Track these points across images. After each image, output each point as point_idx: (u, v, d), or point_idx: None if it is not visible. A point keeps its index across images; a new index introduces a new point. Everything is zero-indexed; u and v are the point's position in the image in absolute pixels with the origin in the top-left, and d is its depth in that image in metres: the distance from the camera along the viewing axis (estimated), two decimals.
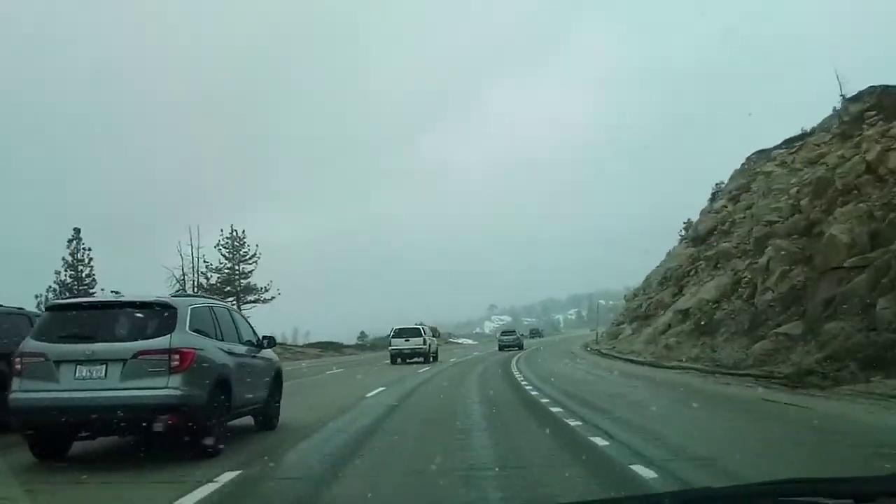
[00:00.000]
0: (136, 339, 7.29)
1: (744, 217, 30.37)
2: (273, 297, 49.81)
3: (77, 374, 7.11)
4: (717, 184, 45.73)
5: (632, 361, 27.19)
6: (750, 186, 34.30)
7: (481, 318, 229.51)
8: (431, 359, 34.58)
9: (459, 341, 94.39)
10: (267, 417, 9.73)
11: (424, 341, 34.13)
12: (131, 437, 8.12)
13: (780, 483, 2.09)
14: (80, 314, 7.86)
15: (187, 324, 7.61)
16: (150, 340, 7.26)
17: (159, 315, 7.55)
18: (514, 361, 30.98)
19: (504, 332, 62.48)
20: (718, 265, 28.84)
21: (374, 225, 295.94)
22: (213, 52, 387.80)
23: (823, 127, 30.23)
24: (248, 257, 50.03)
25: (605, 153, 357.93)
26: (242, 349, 9.02)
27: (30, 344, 7.40)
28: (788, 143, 35.57)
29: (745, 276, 23.10)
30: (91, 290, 40.99)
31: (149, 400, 6.99)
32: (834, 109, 29.47)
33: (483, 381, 19.96)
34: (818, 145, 26.75)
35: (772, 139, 41.71)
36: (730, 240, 30.14)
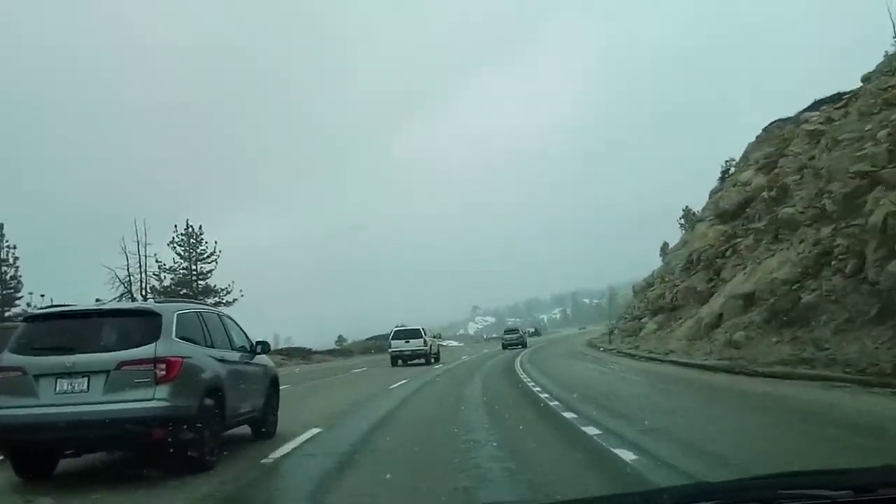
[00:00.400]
0: (119, 349, 6.91)
1: (800, 177, 25.34)
2: (235, 300, 44.38)
3: (57, 389, 6.72)
4: (727, 161, 44.80)
5: (681, 364, 20.76)
6: (783, 152, 30.51)
7: (465, 320, 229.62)
8: (433, 360, 34.70)
9: (444, 343, 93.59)
10: (264, 426, 9.40)
11: (425, 342, 34.13)
12: (119, 453, 7.74)
13: (779, 476, 2.09)
14: (59, 324, 7.43)
15: (173, 331, 7.24)
16: (134, 350, 6.88)
17: (143, 323, 7.18)
18: (518, 363, 27.74)
19: (508, 331, 63.57)
20: (779, 236, 23.57)
21: (354, 226, 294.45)
22: (183, 49, 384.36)
23: (882, 72, 27.20)
24: (205, 256, 44.96)
25: (588, 147, 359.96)
26: (235, 356, 8.67)
27: (6, 357, 6.99)
28: (821, 103, 32.19)
29: (839, 245, 17.85)
30: (17, 295, 38.32)
31: (134, 413, 6.60)
32: (886, 54, 28.23)
33: (495, 411, 11.92)
34: (884, 89, 22.16)
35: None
36: (792, 204, 24.31)
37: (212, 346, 8.02)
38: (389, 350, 34.58)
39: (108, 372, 6.72)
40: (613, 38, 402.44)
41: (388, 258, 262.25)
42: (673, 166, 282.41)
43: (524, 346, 53.69)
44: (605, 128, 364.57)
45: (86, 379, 6.73)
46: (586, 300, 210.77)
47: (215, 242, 45.02)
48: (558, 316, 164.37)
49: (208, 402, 7.32)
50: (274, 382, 10.00)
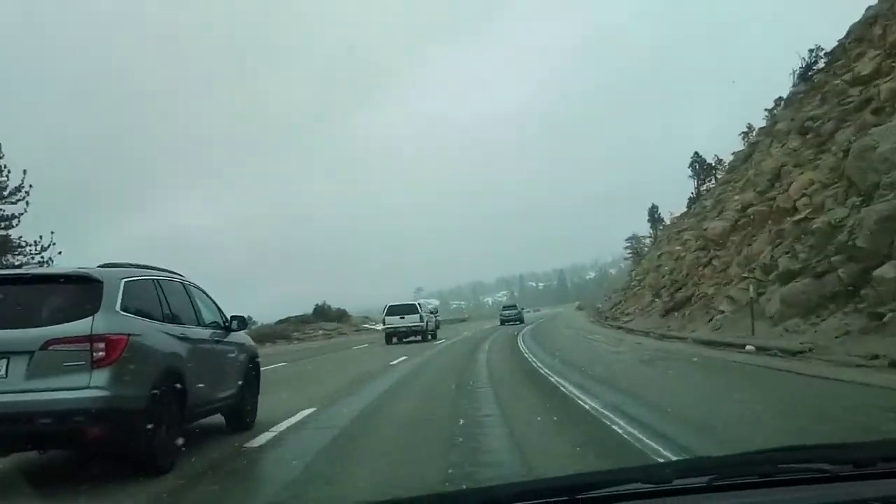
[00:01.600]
0: (47, 325, 5.51)
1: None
2: (52, 258, 30.44)
3: None
4: (748, 126, 44.36)
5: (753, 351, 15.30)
6: (825, 96, 24.78)
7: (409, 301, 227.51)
8: (430, 337, 33.65)
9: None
10: (240, 415, 8.09)
11: (421, 318, 32.87)
12: (51, 451, 6.30)
13: (779, 450, 2.06)
14: None
15: (118, 302, 5.83)
16: (66, 325, 5.48)
17: (79, 292, 5.76)
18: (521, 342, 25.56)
19: (506, 307, 66.06)
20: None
21: (295, 208, 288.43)
22: (123, 20, 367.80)
23: None
24: (6, 194, 30.11)
25: (537, 132, 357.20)
26: (203, 333, 7.34)
27: None
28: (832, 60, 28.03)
29: None
30: None
31: (64, 404, 5.25)
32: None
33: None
34: None
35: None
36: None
37: (172, 322, 6.65)
38: (383, 327, 33.63)
39: (31, 353, 5.36)
40: (575, 19, 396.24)
41: (332, 239, 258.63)
42: (622, 153, 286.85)
43: (521, 321, 55.51)
44: (557, 112, 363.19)
45: (4, 361, 5.35)
46: (532, 283, 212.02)
47: (23, 173, 30.28)
48: (504, 298, 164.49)
49: (163, 389, 5.97)
50: (253, 363, 8.72)
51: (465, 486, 4.38)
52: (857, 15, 27.39)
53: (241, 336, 8.59)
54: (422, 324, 32.83)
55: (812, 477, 1.83)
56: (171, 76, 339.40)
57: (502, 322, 56.60)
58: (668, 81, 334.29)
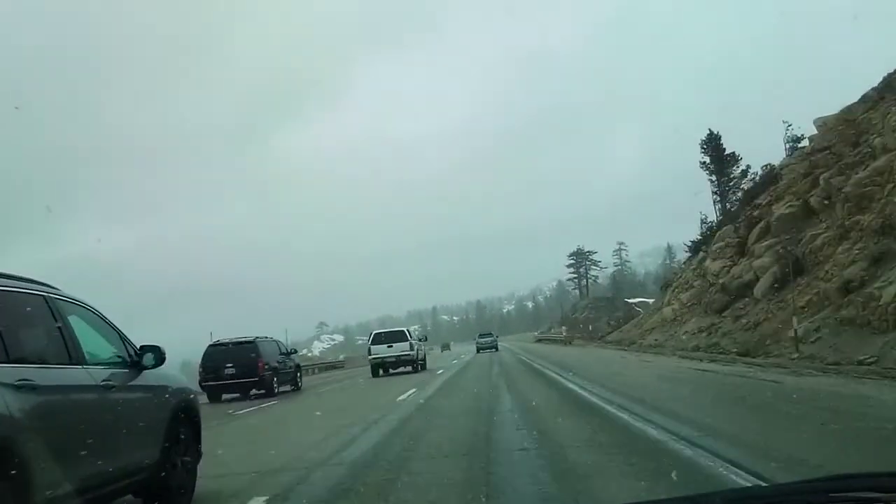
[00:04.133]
0: None
1: None
2: None
3: None
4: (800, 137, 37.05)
5: None
6: None
7: (310, 339, 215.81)
8: (419, 367, 31.41)
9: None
10: (167, 495, 5.83)
11: (411, 346, 30.78)
12: None
13: (831, 479, 2.06)
14: None
15: None
16: None
17: None
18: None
19: (481, 335, 68.40)
20: None
21: (191, 236, 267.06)
22: (24, 24, 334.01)
23: None
24: None
25: (455, 163, 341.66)
26: (79, 375, 4.99)
27: None
28: None
29: None
30: None
31: None
32: None
33: None
34: None
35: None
36: None
37: (7, 361, 4.23)
38: (370, 357, 31.24)
39: None
40: (517, 36, 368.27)
41: (226, 271, 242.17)
42: (543, 188, 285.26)
43: (496, 349, 58.64)
44: (477, 145, 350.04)
45: None
46: (445, 317, 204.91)
47: None
48: (417, 332, 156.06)
49: None
50: (185, 414, 6.39)
51: None
52: None
53: (163, 375, 6.24)
54: (412, 352, 30.63)
55: None
56: (73, 87, 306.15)
57: (479, 350, 59.10)
58: (593, 119, 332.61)
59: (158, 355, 5.93)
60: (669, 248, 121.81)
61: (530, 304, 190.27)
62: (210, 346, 23.43)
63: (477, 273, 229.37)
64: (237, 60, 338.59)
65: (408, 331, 32.50)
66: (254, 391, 22.41)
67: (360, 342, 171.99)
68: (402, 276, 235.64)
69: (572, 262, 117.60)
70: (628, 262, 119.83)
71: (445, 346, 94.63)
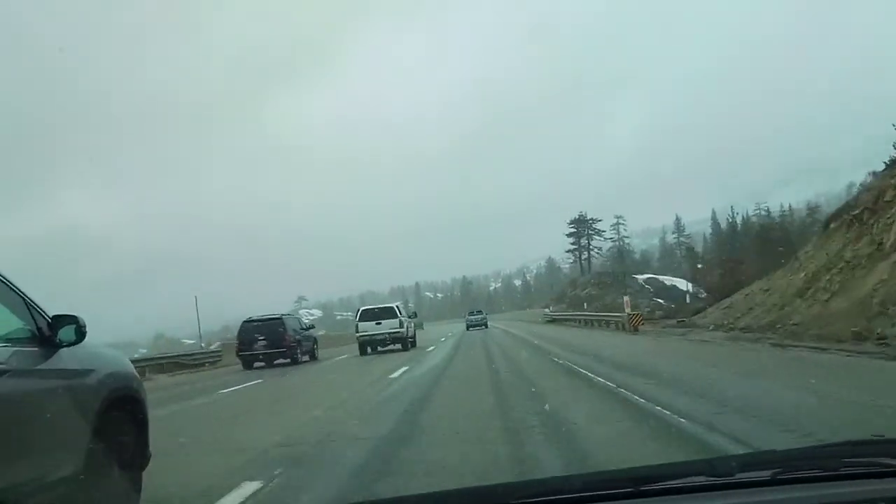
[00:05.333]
0: None
1: None
2: None
3: None
4: None
5: None
6: None
7: (288, 313, 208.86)
8: (410, 345, 30.74)
9: None
10: None
11: (401, 323, 29.82)
12: None
13: (845, 444, 2.08)
14: None
15: None
16: None
17: None
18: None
19: (471, 313, 68.66)
20: None
21: (169, 208, 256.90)
22: None
23: None
24: None
25: (447, 140, 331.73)
26: None
27: None
28: None
29: None
30: None
31: None
32: None
33: None
34: None
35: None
36: None
37: None
38: (357, 335, 30.24)
39: None
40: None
41: (210, 242, 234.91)
42: (530, 168, 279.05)
43: (486, 326, 59.50)
44: (470, 119, 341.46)
45: None
46: (429, 294, 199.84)
47: None
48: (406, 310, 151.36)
49: None
50: (123, 408, 4.96)
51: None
52: None
53: (91, 356, 4.88)
54: (402, 330, 29.76)
55: (877, 472, 1.85)
56: (50, 53, 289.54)
57: (468, 327, 59.18)
58: (584, 96, 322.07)
59: (75, 327, 4.61)
60: (678, 220, 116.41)
61: (518, 283, 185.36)
62: (244, 322, 27.67)
63: (462, 251, 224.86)
64: (221, 29, 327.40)
65: (397, 307, 31.43)
66: (280, 360, 26.39)
67: (339, 318, 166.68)
68: (386, 252, 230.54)
69: (573, 230, 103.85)
70: (627, 237, 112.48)
71: (418, 326, 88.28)
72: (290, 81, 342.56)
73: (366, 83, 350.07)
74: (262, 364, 26.29)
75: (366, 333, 29.66)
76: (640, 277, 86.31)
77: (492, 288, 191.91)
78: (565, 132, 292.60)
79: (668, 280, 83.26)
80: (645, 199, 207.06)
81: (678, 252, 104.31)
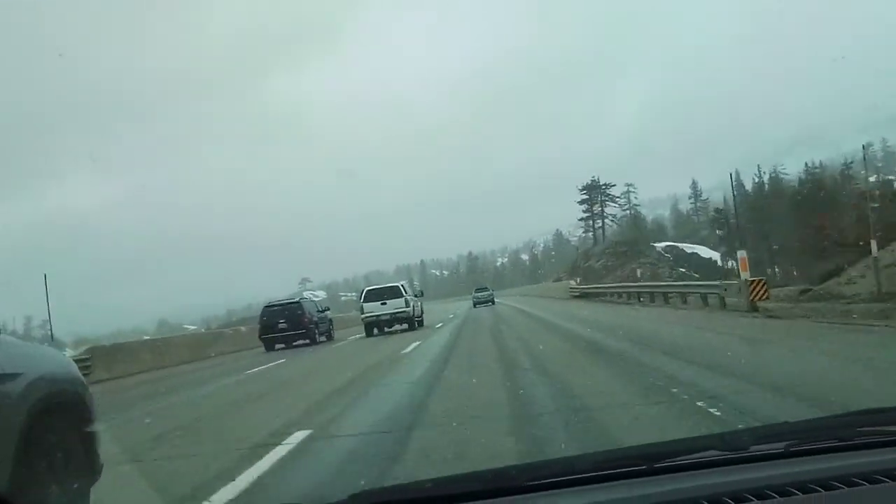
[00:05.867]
0: None
1: None
2: None
3: None
4: None
5: None
6: None
7: (293, 295, 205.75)
8: (416, 325, 30.24)
9: None
10: None
11: (407, 302, 29.34)
12: None
13: (859, 414, 2.08)
14: None
15: None
16: None
17: None
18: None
19: (478, 290, 69.50)
20: None
21: (172, 189, 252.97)
22: None
23: None
24: None
25: (453, 120, 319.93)
26: None
27: None
28: None
29: None
30: None
31: None
32: None
33: None
34: None
35: None
36: None
37: None
38: (362, 315, 30.00)
39: None
40: None
41: (214, 224, 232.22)
42: (536, 143, 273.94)
43: (493, 302, 59.53)
44: (476, 96, 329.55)
45: None
46: (435, 271, 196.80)
47: None
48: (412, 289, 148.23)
49: None
50: (61, 416, 4.18)
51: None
52: None
53: (13, 355, 3.91)
54: (408, 309, 29.38)
55: (892, 440, 1.84)
56: (49, 29, 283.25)
57: (475, 304, 59.27)
58: (590, 69, 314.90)
59: None
60: (695, 184, 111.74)
61: (525, 257, 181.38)
62: (265, 307, 29.22)
63: (467, 227, 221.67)
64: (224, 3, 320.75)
65: (402, 286, 30.87)
66: (300, 341, 27.62)
67: (343, 298, 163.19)
68: (391, 231, 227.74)
69: (585, 197, 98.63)
70: (638, 205, 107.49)
71: None
72: (292, 59, 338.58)
73: (370, 60, 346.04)
74: (283, 346, 27.36)
75: (371, 314, 29.37)
76: (659, 245, 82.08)
77: (499, 263, 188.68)
78: (569, 108, 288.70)
79: (689, 248, 79.19)
80: (648, 170, 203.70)
81: (695, 219, 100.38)
